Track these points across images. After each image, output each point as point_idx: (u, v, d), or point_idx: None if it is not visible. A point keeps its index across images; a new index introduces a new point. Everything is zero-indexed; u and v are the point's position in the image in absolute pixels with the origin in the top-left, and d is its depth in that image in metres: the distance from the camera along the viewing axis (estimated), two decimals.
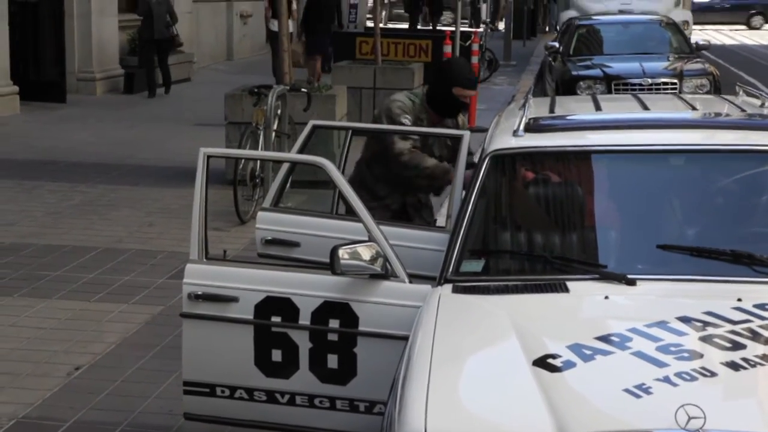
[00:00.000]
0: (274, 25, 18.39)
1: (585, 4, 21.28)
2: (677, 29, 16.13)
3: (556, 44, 16.15)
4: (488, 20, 31.73)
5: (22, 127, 13.23)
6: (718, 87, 13.29)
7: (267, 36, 23.71)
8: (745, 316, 3.33)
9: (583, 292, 3.66)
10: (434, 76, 5.86)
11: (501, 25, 31.64)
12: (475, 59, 15.43)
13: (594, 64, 14.49)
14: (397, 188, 5.72)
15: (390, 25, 22.89)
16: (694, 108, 4.92)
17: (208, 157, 4.28)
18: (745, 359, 3.08)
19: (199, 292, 4.18)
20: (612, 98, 5.28)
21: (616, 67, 14.07)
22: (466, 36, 16.12)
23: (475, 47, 15.91)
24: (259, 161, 8.74)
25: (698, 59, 15.10)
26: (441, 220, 6.26)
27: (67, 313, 6.40)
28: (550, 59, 16.34)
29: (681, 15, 21.08)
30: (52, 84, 15.38)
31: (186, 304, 4.22)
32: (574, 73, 14.18)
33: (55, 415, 4.98)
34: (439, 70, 5.92)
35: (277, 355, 4.16)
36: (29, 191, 9.68)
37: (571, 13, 20.60)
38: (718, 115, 4.84)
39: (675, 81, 13.27)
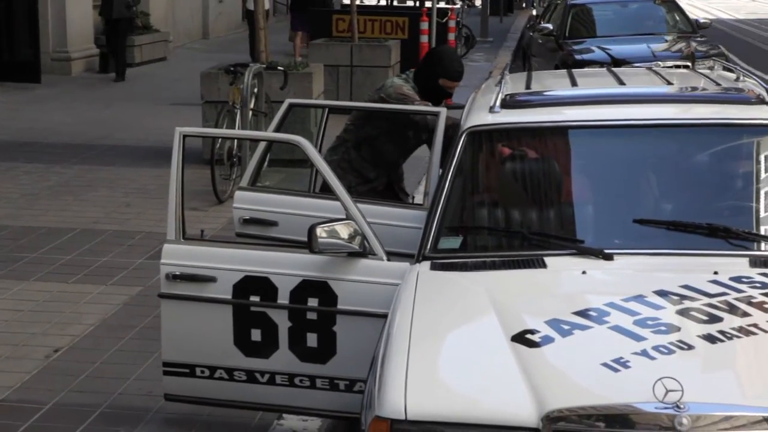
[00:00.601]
0: (251, 4, 18.46)
1: None
2: (676, 6, 15.24)
3: (549, 26, 15.07)
4: None
5: None
6: (729, 69, 12.03)
7: (243, 14, 23.69)
8: (721, 289, 3.36)
9: (561, 267, 3.67)
10: (422, 64, 5.88)
11: (478, 1, 31.57)
12: (451, 36, 15.41)
13: (597, 47, 13.55)
14: (385, 169, 5.74)
15: (366, 2, 22.85)
16: (669, 82, 4.93)
17: (184, 136, 4.27)
18: (721, 332, 3.11)
19: (177, 273, 4.18)
20: (588, 73, 5.26)
21: (623, 49, 13.16)
22: (443, 12, 16.08)
23: (452, 24, 15.90)
24: (236, 140, 8.71)
25: (702, 38, 14.33)
26: (419, 197, 6.26)
27: (45, 295, 6.36)
28: (540, 41, 15.63)
29: None
30: (26, 64, 15.24)
31: (164, 284, 4.22)
32: (578, 57, 13.19)
33: (34, 398, 4.96)
34: (427, 59, 5.93)
35: (256, 335, 4.17)
36: (4, 172, 9.61)
37: None
38: (693, 89, 4.85)
39: (687, 63, 11.88)
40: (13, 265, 6.91)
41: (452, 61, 5.84)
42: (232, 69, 9.26)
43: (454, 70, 5.76)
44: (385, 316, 3.66)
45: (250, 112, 8.96)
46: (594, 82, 5.27)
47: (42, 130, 11.68)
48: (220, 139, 8.66)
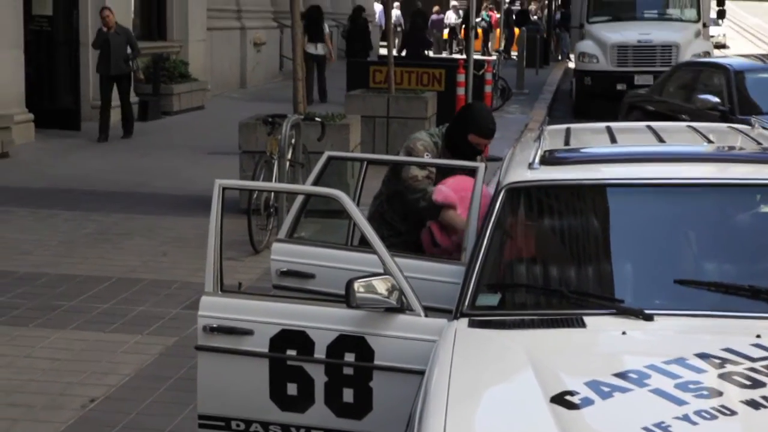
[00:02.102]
0: (311, 48, 18.98)
1: (602, 35, 19.52)
2: None
3: (714, 98, 11.20)
4: (502, 49, 31.86)
5: (37, 155, 13.29)
6: None
7: (281, 64, 23.90)
8: (764, 353, 3.31)
9: (600, 327, 3.64)
10: (454, 119, 5.87)
11: (514, 54, 31.73)
12: (488, 88, 15.45)
13: None
14: (416, 224, 5.73)
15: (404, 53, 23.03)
16: (708, 140, 4.90)
17: (224, 188, 4.29)
18: (764, 397, 3.06)
19: (214, 325, 4.18)
20: (626, 129, 5.27)
21: None
22: (479, 65, 16.14)
23: (488, 76, 15.94)
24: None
25: None
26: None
27: (82, 344, 6.39)
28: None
29: (702, 46, 19.55)
30: (66, 112, 15.46)
31: (201, 336, 4.22)
32: None
33: None
34: (459, 115, 5.92)
35: (292, 389, 4.15)
36: (44, 219, 9.71)
37: (587, 44, 19.96)
38: (732, 148, 4.83)
39: None
40: (51, 313, 6.95)
41: (484, 118, 5.83)
42: (270, 120, 9.33)
43: (486, 127, 5.75)
44: (422, 372, 3.64)
45: (288, 163, 9.02)
46: (633, 138, 5.26)
47: (81, 178, 11.80)
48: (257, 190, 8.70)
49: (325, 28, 20.25)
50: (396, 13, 34.23)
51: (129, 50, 14.78)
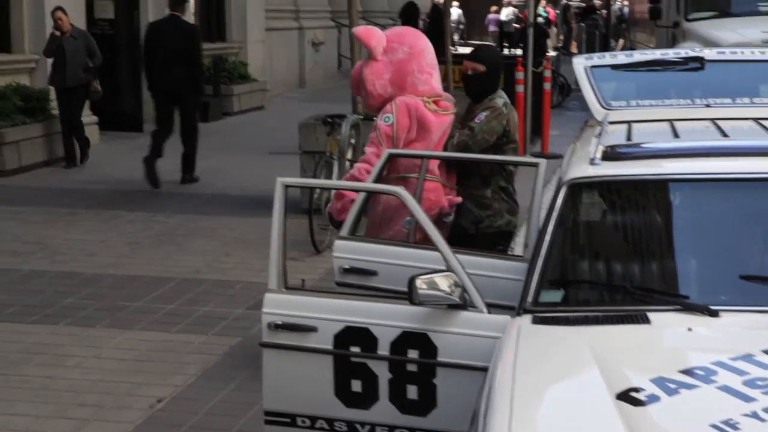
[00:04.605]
0: None
1: (712, 35, 15.01)
2: None
3: None
4: (561, 45, 31.66)
5: (102, 156, 13.45)
6: None
7: (339, 63, 23.97)
8: None
9: (665, 323, 3.62)
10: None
11: (574, 49, 31.52)
12: (547, 85, 15.36)
13: None
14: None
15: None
16: None
17: (286, 186, 4.32)
18: None
19: (279, 322, 4.21)
20: (690, 124, 5.22)
21: None
22: (538, 62, 16.05)
23: (547, 73, 15.85)
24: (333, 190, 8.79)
25: None
26: (518, 249, 6.24)
27: (148, 344, 6.47)
28: None
29: None
30: (129, 114, 15.67)
31: (266, 333, 4.26)
32: None
33: None
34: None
35: (356, 386, 4.18)
36: (108, 221, 9.84)
37: (691, 47, 17.03)
38: None
39: None
40: (117, 313, 7.05)
41: None
42: (329, 120, 9.38)
43: None
44: (485, 369, 3.64)
45: (348, 163, 9.05)
46: (697, 133, 5.21)
47: (144, 179, 11.92)
48: (318, 189, 8.75)
49: (419, 25, 20.22)
50: (457, 11, 34.22)
51: (87, 59, 12.69)
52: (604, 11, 35.82)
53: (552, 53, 22.20)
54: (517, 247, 6.44)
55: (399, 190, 4.29)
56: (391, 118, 5.64)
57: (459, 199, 5.61)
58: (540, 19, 33.47)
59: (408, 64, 5.76)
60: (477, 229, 5.58)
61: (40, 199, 10.77)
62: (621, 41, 32.07)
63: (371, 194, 5.22)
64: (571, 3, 37.74)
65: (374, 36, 5.80)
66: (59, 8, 12.66)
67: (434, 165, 5.60)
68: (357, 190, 5.27)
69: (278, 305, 4.24)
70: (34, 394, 5.68)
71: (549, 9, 36.96)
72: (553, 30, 36.52)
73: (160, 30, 11.89)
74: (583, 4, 37.61)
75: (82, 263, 8.33)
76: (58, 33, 12.48)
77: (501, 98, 5.86)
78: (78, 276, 7.94)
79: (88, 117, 14.11)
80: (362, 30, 5.93)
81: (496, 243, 5.59)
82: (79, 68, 12.52)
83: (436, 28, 21.66)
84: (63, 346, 6.43)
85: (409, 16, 19.45)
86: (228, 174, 12.32)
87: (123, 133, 15.12)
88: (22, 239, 9.08)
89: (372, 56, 5.81)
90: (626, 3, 34.42)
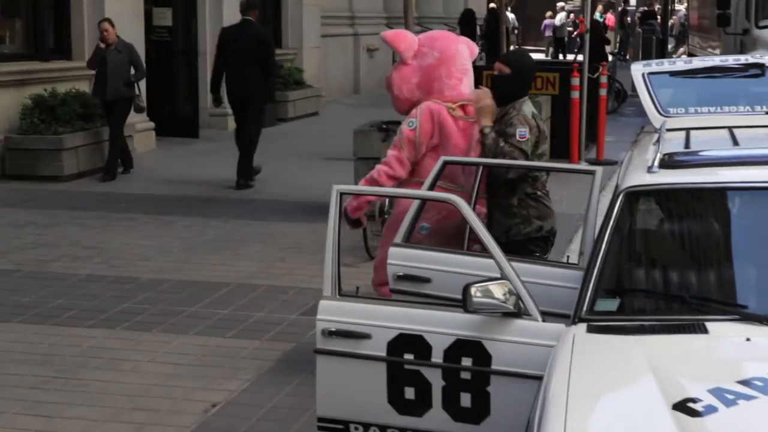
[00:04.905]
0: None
1: None
2: None
3: None
4: (617, 50, 31.42)
5: (158, 162, 13.59)
6: None
7: None
8: None
9: (723, 333, 3.57)
10: None
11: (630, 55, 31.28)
12: (603, 91, 15.25)
13: None
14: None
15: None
16: None
17: (341, 194, 4.33)
18: None
19: (333, 329, 4.22)
20: (750, 132, 5.16)
21: None
22: (594, 68, 15.95)
23: (603, 79, 15.74)
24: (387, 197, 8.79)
25: None
26: (573, 257, 6.20)
27: (203, 349, 6.51)
28: None
29: None
30: (185, 119, 15.82)
31: (319, 340, 4.27)
32: None
33: None
34: None
35: (410, 393, 4.17)
36: (164, 226, 9.93)
37: (763, 54, 16.16)
38: None
39: None
40: (173, 318, 7.10)
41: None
42: (384, 126, 9.38)
43: None
44: (539, 378, 3.62)
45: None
46: (756, 141, 5.14)
47: (200, 184, 12.04)
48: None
49: (477, 30, 20.28)
50: (511, 16, 34.12)
51: (132, 71, 12.50)
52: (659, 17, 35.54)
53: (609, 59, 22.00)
54: (572, 254, 6.40)
55: (454, 197, 4.28)
56: (415, 122, 5.65)
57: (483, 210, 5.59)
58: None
59: (437, 69, 5.76)
60: (507, 237, 5.54)
61: (97, 205, 10.90)
62: (682, 48, 31.64)
63: (425, 202, 5.21)
64: (628, 8, 37.46)
65: (403, 39, 5.81)
66: (107, 19, 12.54)
67: (456, 173, 5.58)
68: (414, 198, 5.26)
69: (332, 312, 4.25)
70: (91, 398, 5.73)
71: (607, 14, 36.75)
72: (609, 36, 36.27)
73: (234, 34, 12.01)
74: (645, 8, 37.30)
75: (139, 268, 8.41)
76: (102, 45, 12.33)
77: (529, 107, 5.77)
78: (135, 281, 8.02)
79: (144, 123, 14.28)
80: (391, 34, 5.93)
81: (529, 250, 5.55)
82: (119, 82, 12.30)
83: (493, 33, 21.82)
84: (119, 350, 6.49)
85: (467, 23, 19.48)
86: (283, 180, 12.38)
87: (179, 138, 15.26)
88: (80, 244, 9.19)
89: (402, 60, 5.82)
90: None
